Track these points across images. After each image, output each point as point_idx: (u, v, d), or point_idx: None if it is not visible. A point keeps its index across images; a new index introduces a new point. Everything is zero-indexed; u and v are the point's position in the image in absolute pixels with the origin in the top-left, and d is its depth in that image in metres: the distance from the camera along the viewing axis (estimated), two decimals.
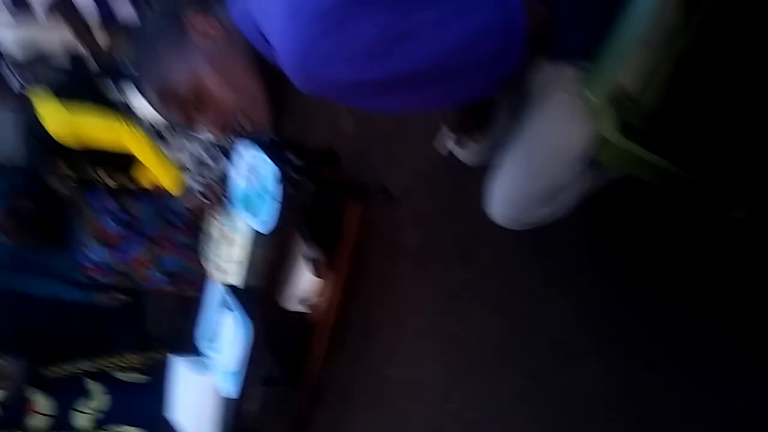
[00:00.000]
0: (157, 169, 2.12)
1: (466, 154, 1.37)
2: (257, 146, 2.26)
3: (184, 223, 2.81)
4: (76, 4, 2.39)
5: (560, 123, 1.03)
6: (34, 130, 2.03)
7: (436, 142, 1.26)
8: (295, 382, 2.49)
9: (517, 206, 1.15)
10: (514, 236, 1.71)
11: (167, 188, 2.15)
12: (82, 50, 2.59)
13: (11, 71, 2.87)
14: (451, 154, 1.41)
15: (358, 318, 2.39)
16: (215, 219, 2.35)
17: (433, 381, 1.99)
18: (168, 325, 4.04)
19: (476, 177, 1.89)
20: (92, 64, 2.67)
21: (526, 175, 1.10)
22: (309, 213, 2.14)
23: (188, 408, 2.50)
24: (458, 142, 1.29)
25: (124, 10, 2.53)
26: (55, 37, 2.48)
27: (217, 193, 2.19)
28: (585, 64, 0.95)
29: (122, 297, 2.85)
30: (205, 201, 2.18)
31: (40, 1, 2.35)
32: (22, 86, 3.30)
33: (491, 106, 1.19)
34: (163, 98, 1.00)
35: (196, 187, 2.17)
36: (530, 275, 1.67)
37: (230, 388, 2.24)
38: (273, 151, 2.19)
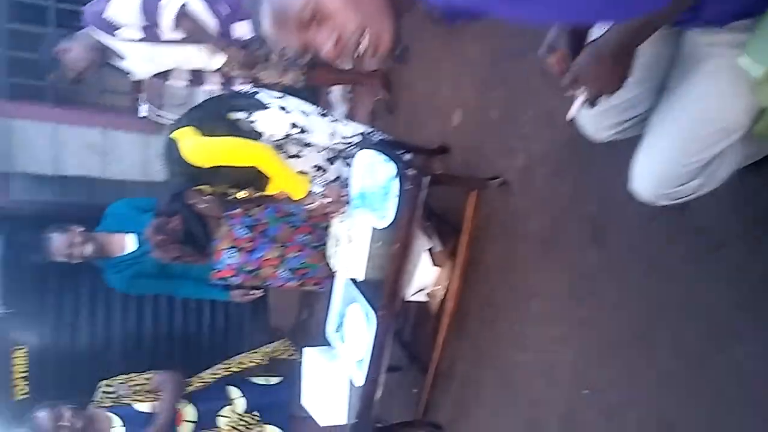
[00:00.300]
0: (283, 180, 2.25)
1: (593, 122, 1.32)
2: (371, 145, 2.32)
3: (304, 223, 2.97)
4: (200, 20, 2.57)
5: (716, 92, 0.99)
6: (174, 155, 2.23)
7: (568, 114, 1.18)
8: (419, 370, 2.55)
9: (668, 180, 1.11)
10: (650, 215, 1.67)
11: (293, 196, 2.28)
12: (203, 66, 2.75)
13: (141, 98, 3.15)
14: (575, 127, 1.36)
15: (479, 305, 2.41)
16: (337, 217, 2.44)
17: (567, 365, 1.98)
18: (292, 320, 4.25)
19: (599, 157, 1.86)
20: (214, 81, 2.84)
21: (677, 146, 1.06)
22: (426, 205, 2.17)
23: (319, 395, 2.63)
24: (590, 102, 1.14)
25: (243, 28, 2.67)
26: (179, 53, 2.65)
27: (339, 195, 2.29)
28: (743, 30, 0.91)
29: (254, 292, 3.04)
30: (329, 203, 2.28)
31: (168, 14, 2.51)
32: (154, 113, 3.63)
33: (631, 59, 1.08)
34: (279, 22, 0.93)
35: (319, 190, 2.27)
36: (670, 254, 1.62)
37: (358, 375, 2.33)
38: (387, 148, 2.25)
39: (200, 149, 2.21)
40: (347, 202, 2.33)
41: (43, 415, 2.66)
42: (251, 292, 3.05)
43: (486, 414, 2.34)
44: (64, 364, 3.67)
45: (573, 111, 1.16)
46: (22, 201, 5.35)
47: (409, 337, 2.71)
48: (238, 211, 2.89)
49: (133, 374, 2.96)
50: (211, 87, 2.88)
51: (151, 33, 2.55)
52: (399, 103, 3.11)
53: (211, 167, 2.21)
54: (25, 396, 3.60)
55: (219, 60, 2.74)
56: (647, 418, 1.71)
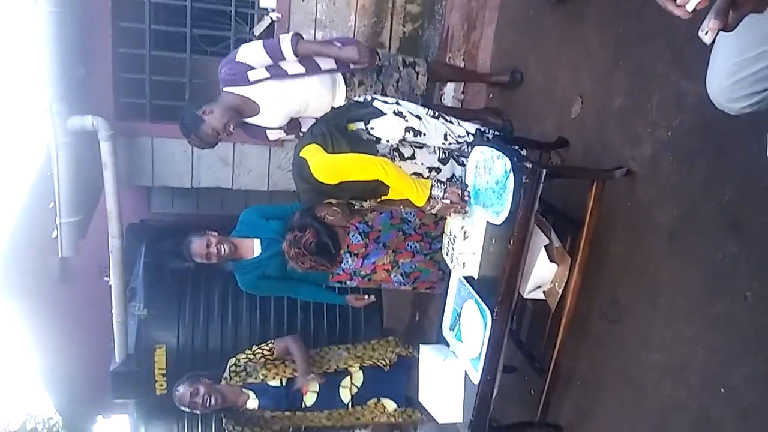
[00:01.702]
0: (405, 190, 2.33)
1: (726, 91, 1.23)
2: (486, 142, 2.33)
3: (415, 232, 3.04)
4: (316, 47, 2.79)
5: None
6: (304, 173, 2.40)
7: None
8: (537, 371, 2.49)
9: None
10: None
11: (416, 203, 2.35)
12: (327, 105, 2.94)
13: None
14: (706, 111, 1.28)
15: (602, 303, 2.32)
16: (452, 216, 2.46)
17: (699, 366, 1.85)
18: (405, 322, 4.32)
19: (733, 141, 1.75)
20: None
21: None
22: (543, 200, 2.14)
23: (435, 393, 2.64)
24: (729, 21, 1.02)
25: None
26: (304, 87, 2.84)
27: (460, 196, 2.32)
28: None
29: (367, 297, 3.15)
30: (450, 204, 2.32)
31: (286, 41, 2.71)
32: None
33: None
34: None
35: (440, 194, 2.32)
36: None
37: (473, 373, 2.32)
38: (501, 143, 2.24)
39: (327, 167, 2.35)
40: (468, 202, 2.36)
41: (182, 389, 2.94)
42: (365, 296, 3.16)
43: (610, 418, 2.25)
44: (199, 361, 3.93)
45: (706, 28, 1.04)
46: (162, 213, 5.89)
47: (525, 337, 2.66)
48: (354, 218, 3.03)
49: (254, 347, 3.17)
50: None
51: (276, 70, 2.76)
52: (514, 99, 3.09)
53: (337, 183, 2.35)
54: (164, 391, 3.91)
55: (340, 97, 2.88)
56: None
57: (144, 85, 4.03)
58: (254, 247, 3.11)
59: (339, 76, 2.88)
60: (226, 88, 2.80)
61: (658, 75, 2.06)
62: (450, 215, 2.47)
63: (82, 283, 5.79)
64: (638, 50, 2.20)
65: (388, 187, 2.36)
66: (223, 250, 2.98)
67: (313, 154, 2.40)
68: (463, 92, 3.69)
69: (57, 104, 3.57)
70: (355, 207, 2.64)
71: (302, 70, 2.79)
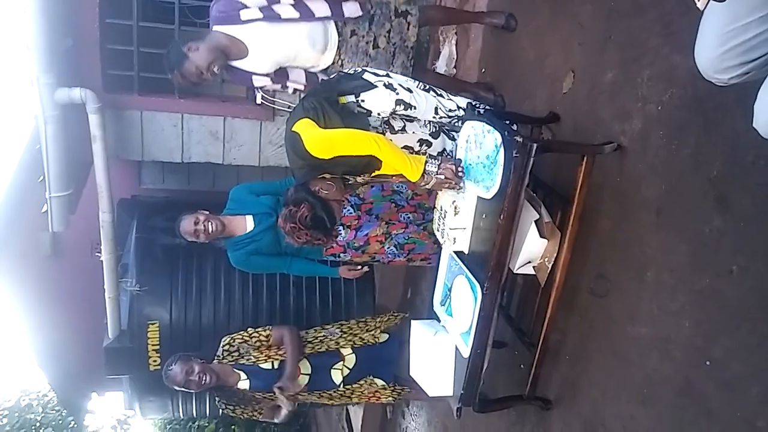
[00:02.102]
0: (399, 165, 2.32)
1: (714, 61, 1.22)
2: (477, 116, 2.32)
3: (407, 203, 3.04)
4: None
5: None
6: (298, 148, 2.39)
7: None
8: (526, 345, 2.52)
9: None
10: None
11: (410, 178, 2.34)
12: (314, 64, 2.88)
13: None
14: (696, 85, 1.28)
15: (590, 278, 2.33)
16: (443, 190, 2.46)
17: (684, 339, 1.87)
18: (397, 299, 4.34)
19: (722, 116, 1.75)
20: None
21: None
22: (534, 175, 2.13)
23: (426, 367, 2.67)
24: None
25: (352, 8, 2.79)
26: (296, 32, 2.76)
27: (454, 171, 2.31)
28: None
29: (359, 268, 3.16)
30: (444, 179, 2.31)
31: None
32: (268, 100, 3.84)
33: None
34: None
35: (434, 170, 2.31)
36: None
37: (462, 347, 2.34)
38: (492, 118, 2.23)
39: (320, 142, 2.34)
40: (462, 178, 2.35)
41: (175, 368, 2.93)
42: (358, 267, 3.16)
43: (597, 390, 2.27)
44: (191, 337, 3.95)
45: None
46: (153, 189, 5.86)
47: (515, 312, 2.68)
48: (348, 190, 3.02)
49: (251, 329, 3.16)
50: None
51: (269, 12, 2.70)
52: (506, 72, 3.07)
53: (331, 157, 2.34)
54: (157, 367, 3.92)
55: (329, 57, 2.84)
56: None
57: (132, 57, 3.97)
58: (247, 224, 3.11)
59: (331, 26, 2.82)
60: (215, 27, 2.73)
61: (650, 48, 2.04)
62: (443, 190, 2.47)
63: (74, 259, 5.78)
64: (630, 23, 2.18)
65: (381, 161, 2.35)
66: (211, 227, 2.98)
67: (305, 128, 2.38)
68: (455, 67, 3.66)
69: (44, 76, 3.52)
70: (349, 182, 2.63)
71: (296, 15, 2.72)
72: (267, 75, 2.87)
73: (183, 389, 2.99)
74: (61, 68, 3.60)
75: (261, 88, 3.05)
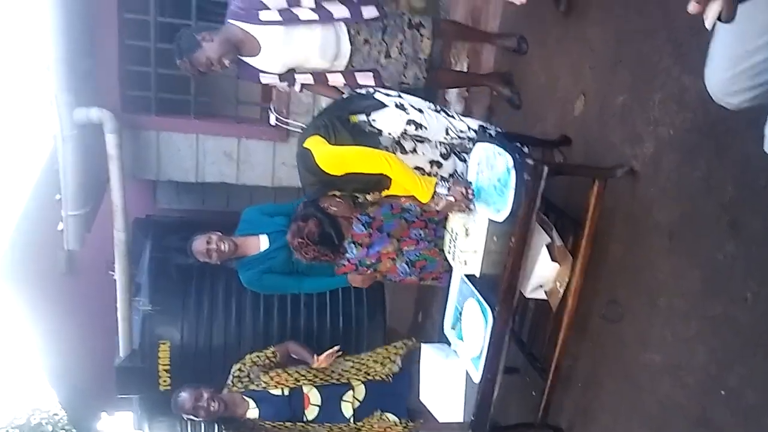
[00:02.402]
0: (409, 185, 2.34)
1: (724, 84, 1.22)
2: (488, 138, 2.32)
3: (417, 219, 3.03)
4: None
5: None
6: (309, 164, 2.41)
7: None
8: (538, 371, 2.48)
9: None
10: None
11: (420, 199, 2.35)
12: (328, 67, 2.90)
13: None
14: (708, 108, 1.28)
15: (602, 303, 2.30)
16: (455, 213, 2.45)
17: (698, 366, 1.84)
18: (408, 322, 4.31)
19: (735, 139, 1.73)
20: (337, 81, 2.98)
21: None
22: (545, 198, 2.13)
23: (436, 392, 2.64)
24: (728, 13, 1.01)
25: (370, 12, 2.80)
26: (311, 36, 2.76)
27: (464, 194, 2.31)
28: None
29: (369, 271, 3.11)
30: (455, 201, 2.31)
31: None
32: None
33: None
34: None
35: (444, 191, 2.31)
36: None
37: (473, 372, 2.31)
38: (504, 140, 2.24)
39: (332, 158, 2.36)
40: (472, 200, 2.35)
41: (184, 395, 2.89)
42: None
43: (610, 418, 2.23)
44: (201, 358, 3.94)
45: (709, 19, 1.03)
46: (167, 208, 5.91)
47: (527, 337, 2.65)
48: (357, 209, 3.03)
49: (255, 352, 3.14)
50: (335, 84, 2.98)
51: (289, 15, 2.69)
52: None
53: (342, 174, 2.35)
54: (167, 387, 3.92)
55: (344, 54, 2.84)
56: None
57: (150, 78, 4.05)
58: (261, 243, 3.12)
59: (344, 33, 2.80)
60: (231, 21, 2.72)
61: (660, 71, 2.04)
62: (453, 213, 2.47)
63: (88, 278, 5.83)
64: (640, 46, 2.19)
65: (391, 181, 2.36)
66: (224, 247, 2.99)
67: (316, 144, 2.41)
68: (467, 89, 3.68)
69: (63, 95, 3.60)
70: (359, 200, 2.63)
71: (315, 17, 2.71)
72: (275, 74, 2.86)
73: (191, 417, 2.95)
74: (80, 88, 3.68)
75: (266, 84, 3.03)
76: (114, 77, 3.95)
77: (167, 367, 3.96)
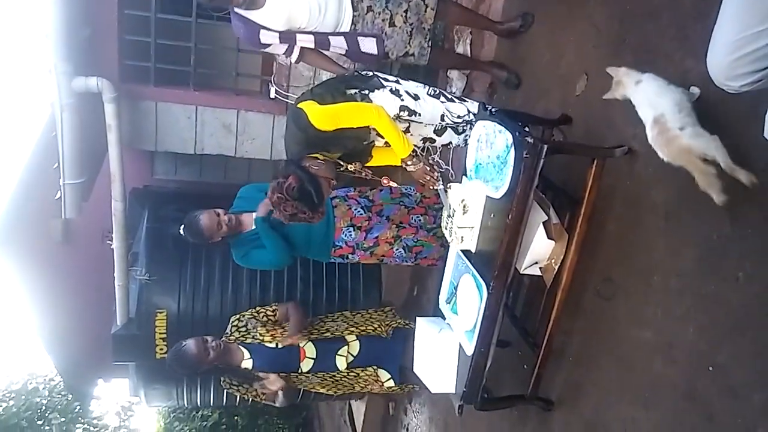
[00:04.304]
0: (392, 136, 2.43)
1: (726, 68, 1.23)
2: (488, 116, 2.33)
3: (417, 205, 3.06)
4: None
5: None
6: (301, 121, 2.45)
7: None
8: (530, 346, 2.53)
9: None
10: None
11: (399, 153, 2.45)
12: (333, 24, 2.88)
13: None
14: (711, 91, 1.29)
15: (596, 280, 2.34)
16: (451, 188, 2.48)
17: (689, 343, 1.88)
18: (403, 296, 4.36)
19: (736, 122, 1.74)
20: (339, 44, 2.96)
21: None
22: (544, 176, 2.14)
23: (430, 364, 2.68)
24: None
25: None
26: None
27: (430, 172, 2.41)
28: None
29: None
30: (432, 168, 2.37)
31: None
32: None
33: None
34: None
35: (424, 154, 2.38)
36: None
37: (466, 345, 2.35)
38: (504, 118, 2.24)
39: (324, 113, 2.43)
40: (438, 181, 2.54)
41: (190, 342, 2.98)
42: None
43: (600, 392, 2.28)
44: (198, 327, 3.95)
45: None
46: (165, 179, 5.92)
47: (520, 312, 2.69)
48: (354, 192, 3.06)
49: (258, 307, 3.25)
50: (336, 50, 2.97)
51: None
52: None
53: (331, 133, 2.38)
54: (164, 355, 3.96)
55: (347, 21, 2.81)
56: None
57: (149, 48, 4.02)
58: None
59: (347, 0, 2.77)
60: None
61: (663, 53, 2.05)
62: (425, 181, 2.60)
63: (85, 246, 5.85)
64: (644, 27, 2.19)
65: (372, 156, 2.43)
66: (231, 222, 2.99)
67: (310, 105, 2.48)
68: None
69: (62, 64, 3.58)
70: (341, 168, 2.66)
71: None
72: (276, 32, 2.80)
73: (192, 370, 3.00)
74: (78, 57, 3.66)
75: (266, 46, 2.92)
76: (113, 47, 3.92)
77: (164, 336, 3.99)
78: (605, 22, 2.43)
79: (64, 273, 6.20)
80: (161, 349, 4.00)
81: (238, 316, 3.20)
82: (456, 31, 3.69)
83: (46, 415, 9.61)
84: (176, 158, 5.84)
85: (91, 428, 10.57)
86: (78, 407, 9.97)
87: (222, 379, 3.14)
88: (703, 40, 1.26)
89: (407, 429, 4.22)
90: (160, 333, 4.00)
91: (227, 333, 3.14)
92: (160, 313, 3.99)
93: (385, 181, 2.76)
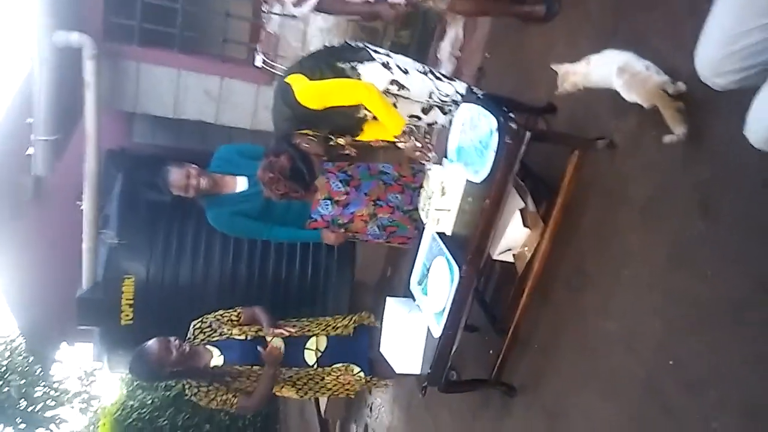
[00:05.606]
0: (383, 114, 2.38)
1: (713, 65, 1.23)
2: (474, 99, 2.32)
3: (395, 182, 3.05)
4: None
5: None
6: (288, 97, 2.41)
7: None
8: (497, 332, 2.54)
9: None
10: (766, 182, 1.57)
11: (390, 131, 2.39)
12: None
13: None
14: (695, 88, 1.30)
15: (568, 270, 2.36)
16: (430, 169, 2.47)
17: (652, 336, 1.90)
18: (376, 276, 4.35)
19: (716, 121, 1.76)
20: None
21: None
22: (524, 164, 2.14)
23: (397, 344, 2.69)
24: None
25: None
26: None
27: (428, 141, 2.36)
28: None
29: (343, 231, 3.10)
30: (419, 145, 2.35)
31: None
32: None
33: None
34: None
35: (413, 130, 2.35)
36: None
37: (434, 327, 2.36)
38: (489, 103, 2.24)
39: (312, 91, 2.38)
40: (431, 150, 2.45)
41: (152, 342, 2.79)
42: (340, 230, 3.09)
43: (562, 381, 2.31)
44: (166, 296, 3.93)
45: None
46: (143, 144, 5.81)
47: (490, 297, 2.71)
48: (333, 167, 3.03)
49: (221, 311, 3.07)
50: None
51: None
52: (510, 58, 3.06)
53: (319, 110, 2.32)
54: (129, 321, 3.91)
55: None
56: (730, 398, 1.64)
57: (135, 6, 3.92)
58: (238, 184, 3.08)
59: None
60: None
61: (653, 48, 2.05)
62: (416, 157, 2.54)
63: (58, 207, 5.73)
64: (637, 20, 2.19)
65: (363, 130, 2.38)
66: (202, 183, 2.93)
67: (298, 80, 2.43)
68: (460, 49, 3.64)
69: (44, 17, 3.47)
70: (331, 143, 2.63)
71: None
72: None
73: (153, 372, 2.82)
74: (61, 11, 3.55)
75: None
76: (98, 2, 3.81)
77: (131, 302, 3.93)
78: (599, 12, 2.43)
79: (32, 231, 6.07)
80: (127, 316, 3.94)
81: (200, 319, 3.02)
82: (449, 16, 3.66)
83: (5, 376, 9.45)
84: (155, 122, 5.73)
85: (52, 392, 10.42)
86: (39, 370, 9.82)
87: (185, 386, 2.92)
88: (694, 37, 1.25)
89: (371, 408, 4.24)
90: (126, 299, 3.94)
91: (189, 338, 2.95)
92: (128, 278, 3.93)
93: (375, 142, 2.70)
